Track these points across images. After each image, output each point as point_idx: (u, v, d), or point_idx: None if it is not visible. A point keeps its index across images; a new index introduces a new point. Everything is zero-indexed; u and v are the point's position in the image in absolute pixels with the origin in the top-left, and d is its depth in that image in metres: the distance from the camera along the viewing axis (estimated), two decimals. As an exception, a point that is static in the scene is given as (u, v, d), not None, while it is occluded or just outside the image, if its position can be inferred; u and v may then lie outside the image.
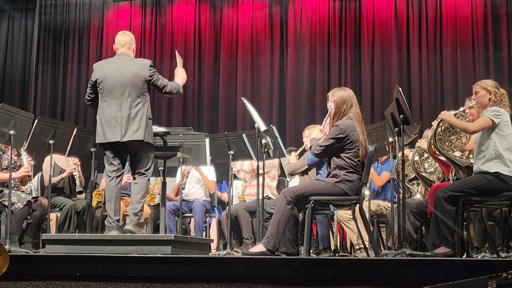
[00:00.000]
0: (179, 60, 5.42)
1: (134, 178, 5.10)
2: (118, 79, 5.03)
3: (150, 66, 5.10)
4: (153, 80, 5.07)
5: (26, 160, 6.15)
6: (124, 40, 5.26)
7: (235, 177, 7.29)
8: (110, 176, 5.07)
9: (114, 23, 10.38)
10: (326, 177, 4.74)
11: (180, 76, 5.33)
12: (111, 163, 5.08)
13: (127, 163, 6.89)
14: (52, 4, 10.62)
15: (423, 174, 5.54)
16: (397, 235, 5.25)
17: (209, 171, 7.33)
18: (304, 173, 6.46)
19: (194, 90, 9.86)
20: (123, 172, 5.15)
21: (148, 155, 5.10)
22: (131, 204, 5.06)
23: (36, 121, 5.88)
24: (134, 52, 5.29)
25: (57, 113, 10.25)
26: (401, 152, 4.94)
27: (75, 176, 6.75)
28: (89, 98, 5.24)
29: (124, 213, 6.87)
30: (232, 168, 6.68)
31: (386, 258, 4.55)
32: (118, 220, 5.00)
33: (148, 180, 5.18)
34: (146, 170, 5.07)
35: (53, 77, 10.46)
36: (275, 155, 6.02)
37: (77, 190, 6.79)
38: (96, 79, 5.13)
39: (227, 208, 6.48)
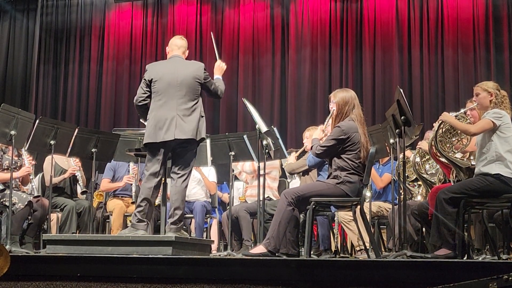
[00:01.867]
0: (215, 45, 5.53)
1: (172, 179, 5.08)
2: (175, 79, 5.06)
3: (204, 69, 5.18)
4: (207, 83, 5.15)
5: (27, 160, 6.15)
6: (181, 44, 5.31)
7: (236, 178, 7.29)
8: (148, 178, 5.01)
9: (115, 23, 10.39)
10: (327, 178, 4.74)
11: (218, 69, 5.41)
12: (153, 165, 5.03)
13: (130, 164, 6.92)
14: (53, 5, 10.64)
15: (424, 175, 5.54)
16: (398, 236, 5.25)
17: (210, 172, 7.33)
18: (304, 173, 6.46)
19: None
20: (162, 176, 5.11)
21: (192, 154, 5.11)
22: (170, 210, 5.02)
23: (37, 121, 5.88)
24: (185, 57, 5.33)
25: (58, 114, 10.27)
26: (402, 153, 4.94)
27: (77, 177, 6.76)
28: (142, 98, 5.14)
29: (125, 214, 6.88)
30: (233, 170, 6.68)
31: (386, 259, 4.55)
32: (147, 224, 4.97)
33: (187, 182, 5.11)
34: (187, 171, 5.07)
35: (55, 78, 10.47)
36: (276, 156, 6.02)
37: (81, 191, 6.79)
38: (152, 78, 5.10)
39: (227, 209, 6.48)
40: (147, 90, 5.14)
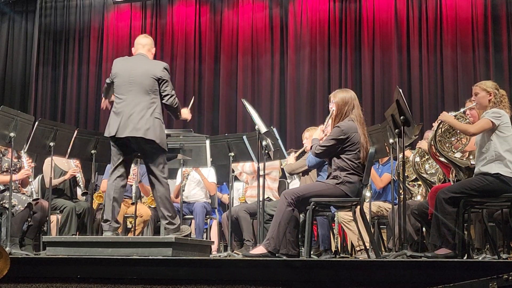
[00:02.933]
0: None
1: (153, 184, 5.01)
2: (129, 76, 5.01)
3: (165, 68, 5.09)
4: (162, 84, 5.03)
5: (27, 162, 6.15)
6: (145, 42, 5.26)
7: (236, 178, 7.29)
8: (112, 175, 5.00)
9: (114, 25, 10.38)
10: (327, 178, 4.74)
11: (185, 112, 5.37)
12: (115, 160, 5.01)
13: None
14: (52, 7, 10.63)
15: (424, 175, 5.54)
16: (397, 236, 5.25)
17: (210, 173, 7.34)
18: (304, 173, 6.46)
19: (195, 91, 9.86)
20: (125, 173, 5.04)
21: (159, 157, 5.00)
22: (159, 212, 5.00)
23: (36, 123, 5.88)
24: (153, 55, 5.29)
25: (58, 115, 10.25)
26: (402, 153, 4.94)
27: (77, 178, 6.75)
28: (104, 91, 5.26)
29: (125, 215, 6.88)
30: (233, 170, 6.67)
31: (387, 259, 4.55)
32: (115, 222, 4.90)
33: (167, 183, 5.03)
34: (162, 173, 4.98)
35: (54, 79, 10.46)
36: (275, 156, 6.02)
37: (81, 192, 6.79)
38: (113, 74, 5.11)
39: (227, 209, 6.48)
40: (107, 85, 5.17)
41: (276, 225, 4.48)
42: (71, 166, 6.74)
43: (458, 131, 4.81)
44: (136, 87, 4.99)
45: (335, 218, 6.23)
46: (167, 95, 5.07)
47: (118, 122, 4.93)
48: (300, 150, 6.59)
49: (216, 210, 7.51)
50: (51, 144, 5.93)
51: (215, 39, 9.96)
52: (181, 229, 5.02)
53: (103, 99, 5.32)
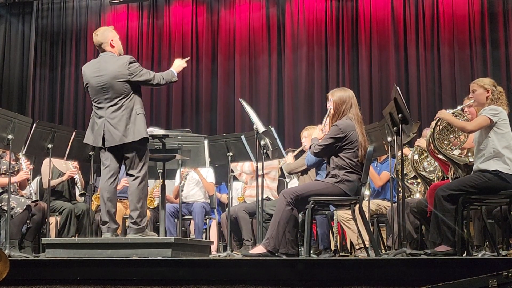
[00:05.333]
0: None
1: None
2: (99, 82, 4.93)
3: (129, 63, 4.91)
4: (134, 77, 4.91)
5: (25, 164, 6.15)
6: (97, 41, 5.08)
7: (235, 178, 7.29)
8: (103, 176, 4.99)
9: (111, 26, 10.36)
10: (326, 177, 4.74)
11: (176, 65, 5.22)
12: (103, 163, 4.99)
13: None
14: (49, 8, 10.61)
15: (423, 173, 5.55)
16: (397, 234, 5.25)
17: (208, 173, 7.33)
18: (303, 173, 6.46)
19: (192, 92, 9.86)
20: (116, 173, 4.98)
21: (138, 155, 4.90)
22: (130, 212, 4.95)
23: (34, 125, 5.88)
24: (115, 46, 5.08)
25: (56, 117, 10.24)
26: (400, 151, 4.94)
27: (76, 179, 6.75)
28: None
29: (124, 216, 6.87)
30: (232, 171, 6.67)
31: (386, 257, 4.55)
32: (113, 223, 4.88)
33: (141, 182, 4.91)
34: (137, 172, 4.88)
35: (51, 81, 10.44)
36: (274, 156, 6.02)
37: (79, 193, 6.78)
38: (85, 84, 5.08)
39: (226, 209, 6.47)
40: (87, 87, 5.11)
41: (275, 225, 4.48)
42: (69, 168, 6.73)
43: (456, 129, 4.81)
44: (108, 93, 4.90)
45: (334, 217, 6.23)
46: (149, 80, 4.96)
47: (101, 132, 4.89)
48: (299, 149, 6.59)
49: (215, 210, 7.51)
50: (49, 146, 5.92)
51: (212, 39, 9.95)
52: (146, 232, 4.95)
53: None
